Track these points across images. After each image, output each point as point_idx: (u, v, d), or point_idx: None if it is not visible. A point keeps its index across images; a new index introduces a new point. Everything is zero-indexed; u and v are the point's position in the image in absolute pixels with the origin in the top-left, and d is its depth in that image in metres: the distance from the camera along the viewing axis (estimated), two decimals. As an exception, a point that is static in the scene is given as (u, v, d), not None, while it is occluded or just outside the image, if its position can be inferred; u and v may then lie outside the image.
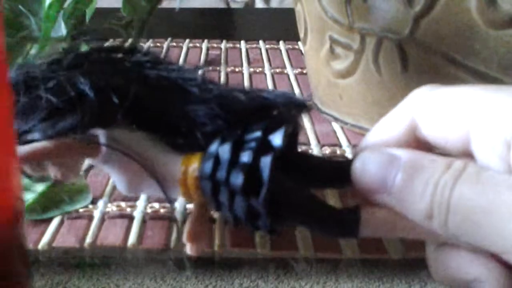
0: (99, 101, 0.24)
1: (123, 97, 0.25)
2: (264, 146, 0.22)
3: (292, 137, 0.24)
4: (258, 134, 0.23)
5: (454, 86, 0.22)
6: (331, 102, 0.43)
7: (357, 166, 0.22)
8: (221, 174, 0.23)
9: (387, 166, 0.21)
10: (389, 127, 0.23)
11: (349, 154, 0.39)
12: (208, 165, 0.23)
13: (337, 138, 0.42)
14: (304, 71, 0.53)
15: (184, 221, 0.31)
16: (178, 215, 0.32)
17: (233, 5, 0.87)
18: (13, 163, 0.19)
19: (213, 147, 0.24)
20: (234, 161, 0.23)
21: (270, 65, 0.57)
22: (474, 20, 0.33)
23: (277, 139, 0.23)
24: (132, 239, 0.30)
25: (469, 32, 0.33)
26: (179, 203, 0.32)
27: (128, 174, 0.26)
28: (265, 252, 0.29)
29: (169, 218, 0.31)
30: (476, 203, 0.19)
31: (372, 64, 0.38)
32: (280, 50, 0.62)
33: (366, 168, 0.21)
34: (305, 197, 0.22)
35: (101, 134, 0.25)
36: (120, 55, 0.28)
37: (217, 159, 0.23)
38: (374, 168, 0.21)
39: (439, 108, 0.22)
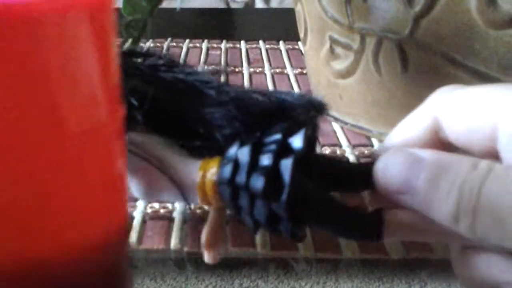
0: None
1: (141, 100, 0.24)
2: (284, 149, 0.22)
3: (311, 139, 0.24)
4: (277, 136, 0.22)
5: (476, 86, 0.22)
6: (331, 102, 0.43)
7: (379, 167, 0.21)
8: (241, 178, 0.22)
9: (411, 167, 0.20)
10: (411, 127, 0.23)
11: (349, 154, 0.39)
12: (227, 169, 0.23)
13: (337, 138, 0.42)
14: (304, 71, 0.53)
15: (184, 221, 0.31)
16: (178, 215, 0.32)
17: (233, 5, 0.87)
18: (124, 177, 0.19)
19: (232, 151, 0.23)
20: (253, 164, 0.22)
21: (270, 65, 0.57)
22: (474, 20, 0.33)
23: (297, 141, 0.22)
24: (132, 239, 0.30)
25: (469, 32, 0.33)
26: (179, 204, 0.32)
27: (146, 179, 0.25)
28: (265, 252, 0.29)
29: (169, 219, 0.31)
30: (507, 204, 0.18)
31: (372, 64, 0.38)
32: (280, 50, 0.62)
33: (389, 169, 0.21)
34: (327, 200, 0.22)
35: None
36: (135, 59, 0.28)
37: (236, 163, 0.23)
38: (398, 169, 0.21)
39: (462, 107, 0.21)
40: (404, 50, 0.36)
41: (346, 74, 0.40)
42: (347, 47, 0.39)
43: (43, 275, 0.17)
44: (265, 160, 0.22)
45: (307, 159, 0.23)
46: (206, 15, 0.82)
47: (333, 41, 0.40)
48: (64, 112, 0.16)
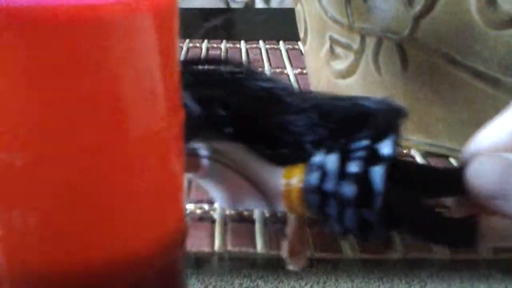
0: (205, 114, 0.24)
1: (226, 109, 0.24)
2: (373, 156, 0.22)
3: (396, 145, 0.24)
4: (365, 143, 0.22)
5: None
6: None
7: (471, 172, 0.21)
8: (329, 185, 0.22)
9: (505, 171, 0.20)
10: (500, 131, 0.22)
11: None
12: (314, 177, 0.23)
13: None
14: (304, 71, 0.53)
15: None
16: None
17: (233, 5, 0.87)
18: (182, 181, 0.19)
19: (317, 158, 0.23)
20: (342, 171, 0.22)
21: (270, 65, 0.57)
22: (474, 20, 0.33)
23: (386, 147, 0.22)
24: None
25: (469, 32, 0.33)
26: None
27: (230, 187, 0.25)
28: (265, 252, 0.29)
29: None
30: None
31: (372, 64, 0.38)
32: (280, 50, 0.62)
33: (483, 173, 0.20)
34: (419, 207, 0.22)
35: (202, 148, 0.25)
36: (214, 67, 0.27)
37: (323, 170, 0.22)
38: (492, 173, 0.20)
39: None
40: (404, 50, 0.36)
41: (346, 74, 0.40)
42: (347, 47, 0.39)
43: (101, 277, 0.17)
44: (354, 167, 0.22)
45: (394, 165, 0.22)
46: (206, 15, 0.82)
47: (333, 41, 0.40)
48: (127, 115, 0.16)
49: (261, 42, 0.64)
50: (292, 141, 0.24)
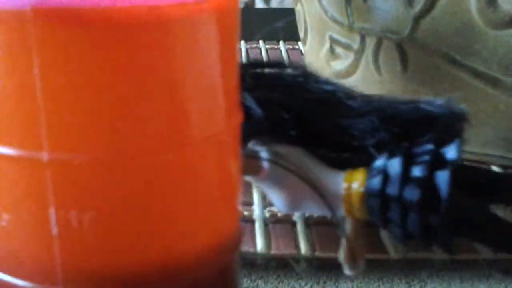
0: (266, 116, 0.24)
1: (287, 112, 0.24)
2: (437, 160, 0.22)
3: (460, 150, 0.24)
4: (429, 147, 0.22)
5: None
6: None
7: None
8: (392, 189, 0.22)
9: None
10: None
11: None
12: (376, 181, 0.22)
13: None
14: (304, 71, 0.53)
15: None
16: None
17: (233, 5, 0.87)
18: (238, 184, 0.19)
19: (379, 162, 0.23)
20: (405, 175, 0.22)
21: (270, 65, 0.57)
22: (474, 20, 0.33)
23: (451, 152, 0.22)
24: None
25: (469, 32, 0.33)
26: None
27: (290, 191, 0.25)
28: (265, 252, 0.29)
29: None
30: None
31: (372, 64, 0.38)
32: (280, 50, 0.62)
33: None
34: (485, 213, 0.22)
35: (263, 150, 0.25)
36: (272, 70, 0.27)
37: (385, 174, 0.22)
38: None
39: None
40: (404, 50, 0.36)
41: (346, 74, 0.40)
42: (347, 47, 0.39)
43: (156, 279, 0.16)
44: (418, 171, 0.21)
45: (459, 169, 0.22)
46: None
47: (333, 41, 0.40)
48: (189, 117, 0.16)
49: (261, 42, 0.64)
50: (353, 144, 0.24)
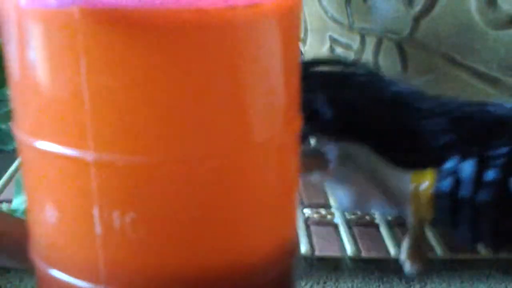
0: (336, 116, 0.24)
1: (357, 112, 0.25)
2: (509, 163, 0.22)
3: None
4: (504, 150, 0.22)
5: None
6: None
7: None
8: (464, 192, 0.22)
9: None
10: None
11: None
12: (447, 183, 0.22)
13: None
14: (304, 71, 0.52)
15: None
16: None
17: (233, 5, 0.87)
18: (296, 188, 0.19)
19: (450, 164, 0.23)
20: (478, 178, 0.22)
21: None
22: (474, 20, 0.33)
23: None
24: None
25: (469, 32, 0.33)
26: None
27: (356, 189, 0.25)
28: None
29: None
30: None
31: (372, 64, 0.38)
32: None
33: None
34: None
35: (331, 149, 0.25)
36: (339, 68, 0.27)
37: (456, 176, 0.22)
38: None
39: None
40: (404, 50, 0.36)
41: (346, 74, 0.40)
42: (347, 47, 0.39)
43: (220, 282, 0.16)
44: (492, 174, 0.21)
45: None
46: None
47: (333, 41, 0.40)
48: (251, 120, 0.15)
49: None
50: (421, 146, 0.25)
